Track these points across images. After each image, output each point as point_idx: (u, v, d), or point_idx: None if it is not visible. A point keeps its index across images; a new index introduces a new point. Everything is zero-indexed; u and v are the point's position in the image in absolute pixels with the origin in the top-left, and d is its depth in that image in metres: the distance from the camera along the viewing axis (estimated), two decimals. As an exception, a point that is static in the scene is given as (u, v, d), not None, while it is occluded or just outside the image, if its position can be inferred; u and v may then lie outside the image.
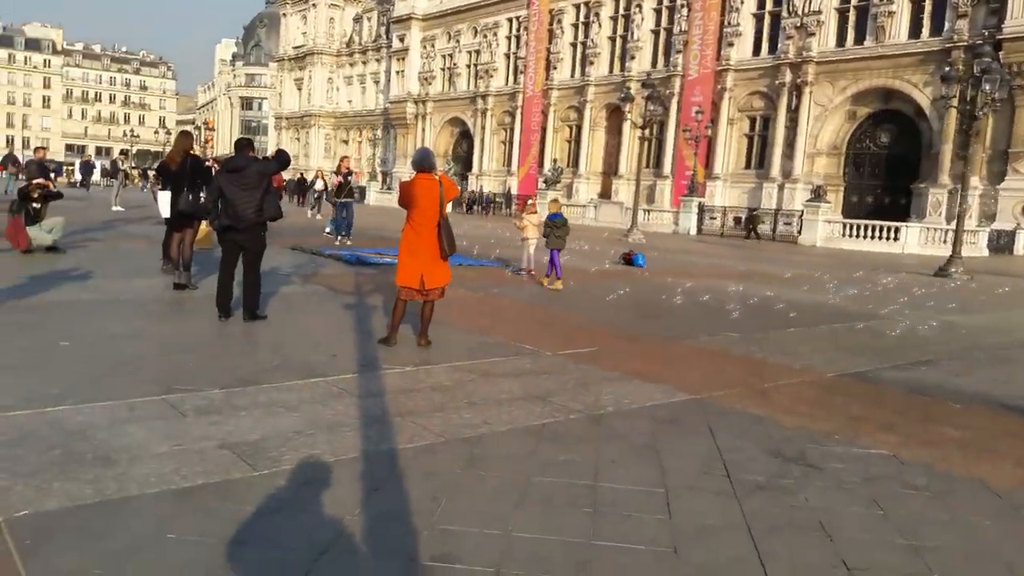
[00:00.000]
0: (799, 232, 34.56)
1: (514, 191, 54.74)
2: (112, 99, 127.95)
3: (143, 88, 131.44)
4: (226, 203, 7.45)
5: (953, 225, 35.50)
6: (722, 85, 46.78)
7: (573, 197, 50.43)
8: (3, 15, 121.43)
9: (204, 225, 12.47)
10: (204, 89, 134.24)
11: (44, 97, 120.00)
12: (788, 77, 44.21)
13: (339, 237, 16.80)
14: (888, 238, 32.56)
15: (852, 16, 42.82)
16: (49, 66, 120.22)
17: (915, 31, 40.63)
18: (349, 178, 17.55)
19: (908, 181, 41.16)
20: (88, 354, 5.99)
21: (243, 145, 7.94)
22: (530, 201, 16.00)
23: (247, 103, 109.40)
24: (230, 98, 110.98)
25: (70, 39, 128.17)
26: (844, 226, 34.04)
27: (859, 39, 42.67)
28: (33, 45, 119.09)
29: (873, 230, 32.97)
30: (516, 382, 5.77)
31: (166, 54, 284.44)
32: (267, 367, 5.85)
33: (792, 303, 11.57)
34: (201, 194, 9.46)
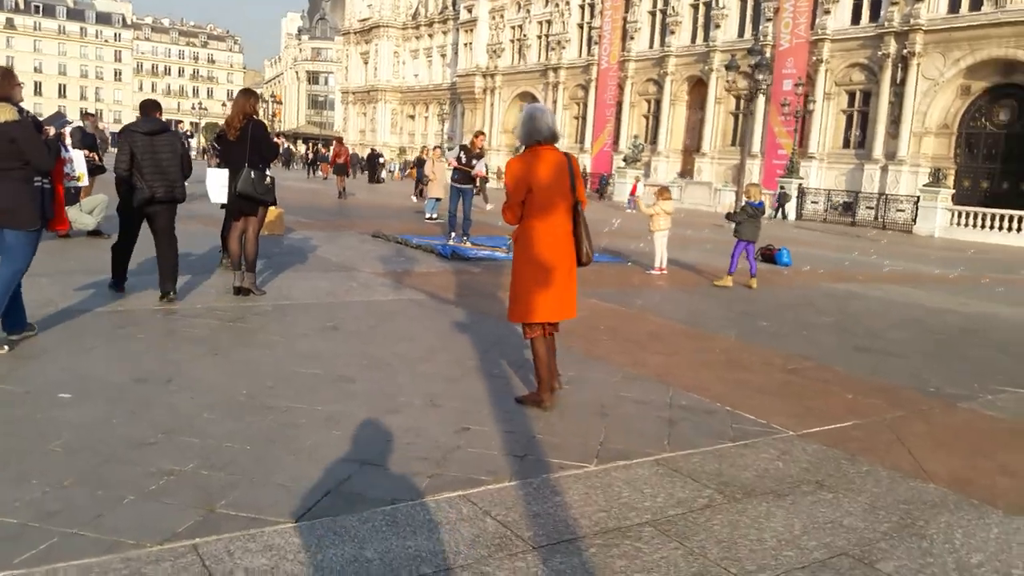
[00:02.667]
0: (914, 220, 31.16)
1: (588, 169, 51.95)
2: (181, 72, 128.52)
3: (211, 61, 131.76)
4: (141, 172, 6.60)
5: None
6: (817, 56, 43.04)
7: (652, 176, 47.45)
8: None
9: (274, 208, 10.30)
10: (271, 63, 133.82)
11: (115, 71, 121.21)
12: (892, 48, 40.29)
13: (451, 233, 13.35)
14: (1018, 230, 28.98)
15: (968, -21, 38.67)
16: (119, 40, 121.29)
17: (1043, -5, 36.43)
18: (475, 162, 13.49)
19: (1031, 165, 37.16)
20: (94, 420, 3.84)
21: (151, 107, 7.04)
22: (664, 185, 13.52)
23: (313, 77, 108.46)
24: (296, 72, 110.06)
25: (139, 13, 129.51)
26: (964, 214, 30.46)
27: (975, 4, 38.45)
28: (104, 19, 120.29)
29: (1001, 220, 29.38)
30: (790, 512, 3.38)
31: (233, 28, 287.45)
32: (361, 453, 3.61)
33: (1016, 326, 8.93)
34: (268, 171, 7.28)
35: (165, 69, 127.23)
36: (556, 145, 4.52)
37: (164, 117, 7.22)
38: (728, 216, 10.78)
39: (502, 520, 3.06)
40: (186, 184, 7.00)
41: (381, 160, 50.39)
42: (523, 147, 4.52)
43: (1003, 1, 37.04)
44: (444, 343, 6.01)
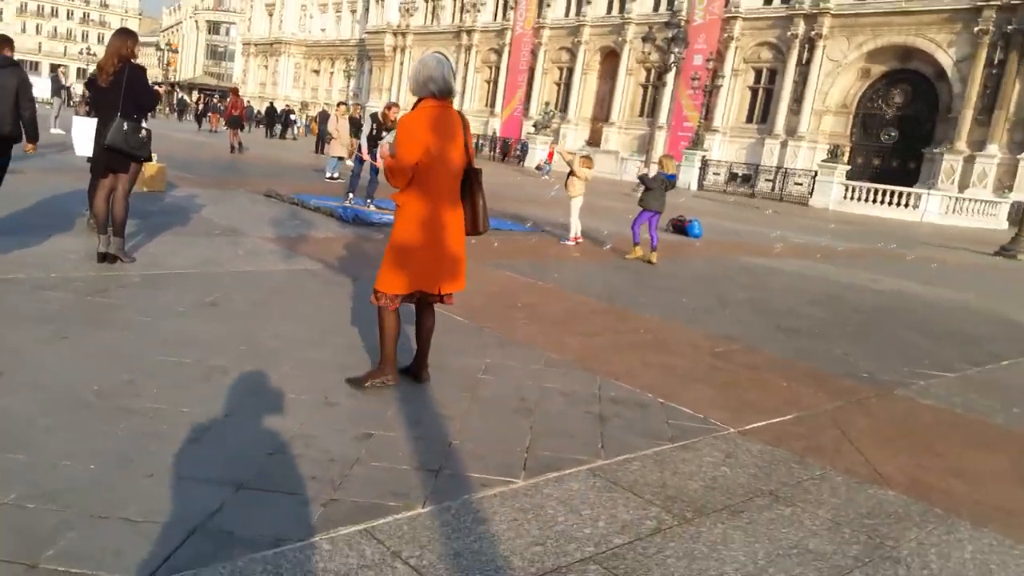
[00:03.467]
0: (811, 193, 31.97)
1: (497, 133, 51.25)
2: (70, 15, 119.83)
3: (103, 5, 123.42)
4: None
5: (971, 194, 33.37)
6: (729, 33, 43.54)
7: (560, 143, 47.19)
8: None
9: (154, 161, 9.24)
10: (169, 11, 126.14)
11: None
12: (801, 29, 41.17)
13: (349, 195, 12.47)
14: (906, 205, 30.14)
15: (875, -33, 39.63)
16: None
17: (943, -13, 37.69)
18: (385, 134, 12.23)
19: (920, 145, 38.74)
20: None
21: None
22: (584, 153, 12.99)
23: (214, 27, 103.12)
24: (196, 21, 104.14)
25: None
26: (857, 189, 31.39)
27: (882, -8, 39.60)
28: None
29: (891, 196, 30.44)
30: (749, 535, 2.90)
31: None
32: (237, 472, 2.93)
33: (929, 304, 8.91)
34: (144, 123, 6.32)
35: (52, 11, 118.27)
36: (450, 101, 3.96)
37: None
38: (641, 179, 10.33)
39: (415, 564, 2.45)
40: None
41: (292, 117, 47.95)
42: (417, 100, 3.92)
43: (906, -10, 38.21)
44: (340, 323, 5.30)
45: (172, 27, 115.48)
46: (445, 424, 3.65)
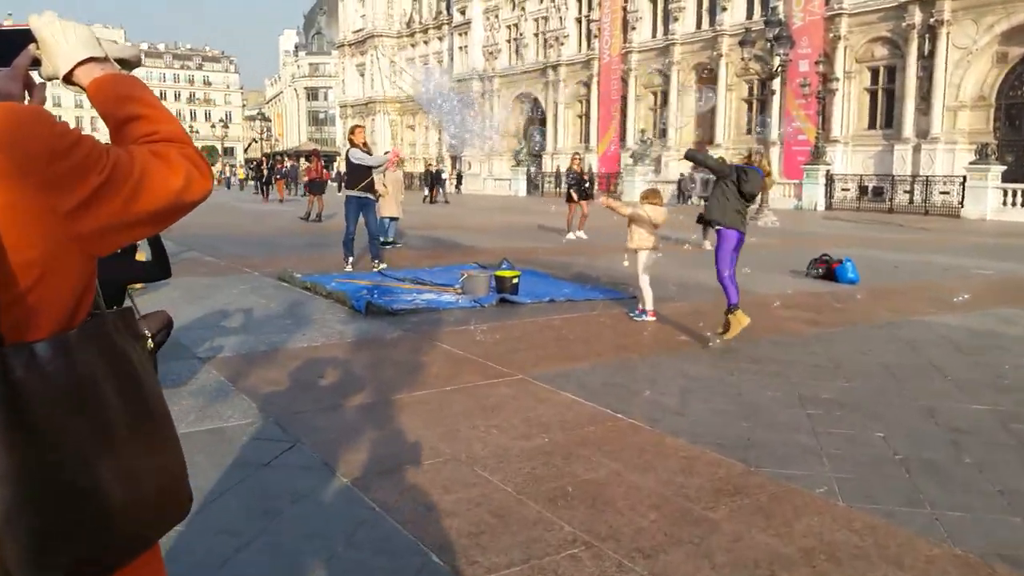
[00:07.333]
0: (962, 203, 27.38)
1: (595, 170, 48.45)
2: (177, 96, 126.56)
3: (207, 84, 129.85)
4: None
5: None
6: (834, 33, 39.44)
7: (662, 172, 43.95)
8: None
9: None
10: (271, 82, 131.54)
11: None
12: (918, 17, 36.63)
13: (349, 258, 9.89)
14: (1085, 208, 25.20)
15: (1000, -64, 34.87)
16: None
17: (1086, -53, 32.63)
18: (357, 160, 9.96)
19: (1082, 134, 33.32)
20: None
21: None
22: (650, 186, 9.83)
23: (312, 93, 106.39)
24: (295, 89, 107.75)
25: (133, 40, 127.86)
26: (1019, 193, 26.51)
27: (1011, -36, 34.76)
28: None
29: (1066, 199, 25.56)
30: None
31: (229, 49, 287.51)
32: None
33: None
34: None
35: (161, 94, 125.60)
36: None
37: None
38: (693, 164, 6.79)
39: None
40: None
41: (443, 176, 42.96)
42: None
43: (1040, -42, 33.31)
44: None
45: (275, 98, 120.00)
46: None
